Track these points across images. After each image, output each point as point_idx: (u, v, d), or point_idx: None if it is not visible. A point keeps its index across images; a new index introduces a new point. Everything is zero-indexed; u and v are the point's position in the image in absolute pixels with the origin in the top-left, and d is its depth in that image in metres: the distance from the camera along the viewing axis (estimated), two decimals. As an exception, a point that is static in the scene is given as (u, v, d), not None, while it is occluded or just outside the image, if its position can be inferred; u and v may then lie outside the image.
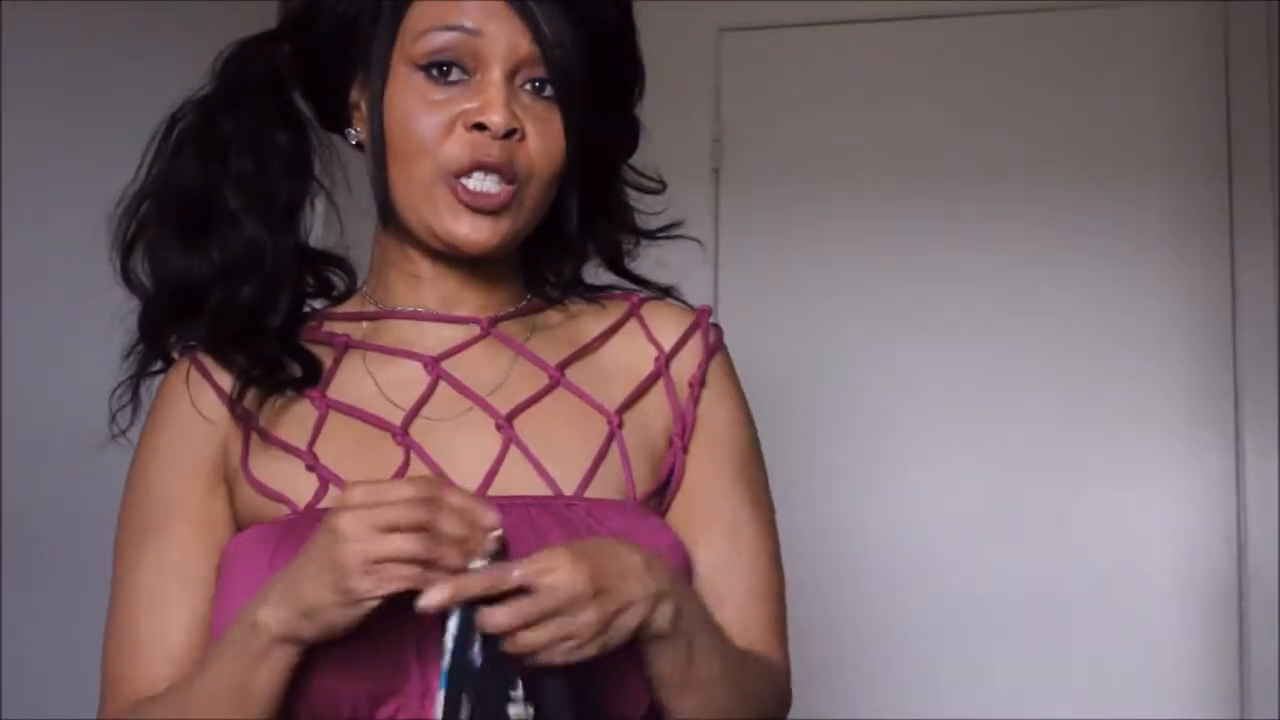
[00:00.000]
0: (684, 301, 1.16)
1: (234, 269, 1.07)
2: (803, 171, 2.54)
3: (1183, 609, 2.32)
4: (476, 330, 1.09)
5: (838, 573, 2.39)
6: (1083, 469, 2.38)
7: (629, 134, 1.16)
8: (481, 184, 1.01)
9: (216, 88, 1.11)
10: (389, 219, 1.07)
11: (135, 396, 1.10)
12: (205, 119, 1.09)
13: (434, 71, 1.02)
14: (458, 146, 1.02)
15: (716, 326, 1.15)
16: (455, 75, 1.02)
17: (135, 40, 2.02)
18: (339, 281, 1.16)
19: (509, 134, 1.01)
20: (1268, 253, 2.35)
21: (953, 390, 2.42)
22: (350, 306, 1.13)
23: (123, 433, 1.10)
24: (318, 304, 1.15)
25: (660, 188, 1.18)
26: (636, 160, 1.20)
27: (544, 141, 1.03)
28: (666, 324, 1.13)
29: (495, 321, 1.10)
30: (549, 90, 1.03)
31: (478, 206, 1.02)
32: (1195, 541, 2.33)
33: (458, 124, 1.02)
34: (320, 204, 1.16)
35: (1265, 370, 2.33)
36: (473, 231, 1.02)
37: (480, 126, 1.01)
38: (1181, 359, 2.37)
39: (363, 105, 1.08)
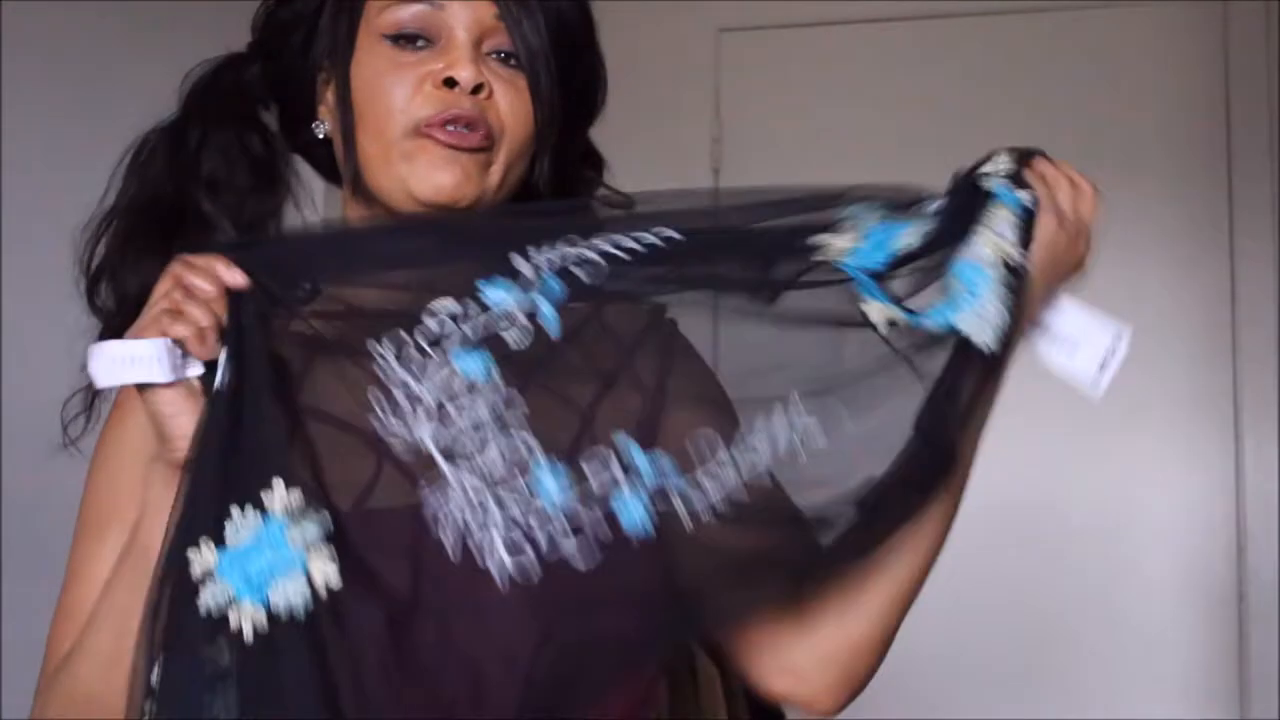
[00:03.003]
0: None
1: None
2: (803, 171, 2.53)
3: (1183, 609, 2.33)
4: None
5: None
6: (1083, 469, 2.38)
7: (594, 155, 1.17)
8: (456, 129, 1.03)
9: (185, 109, 1.11)
10: (358, 193, 1.08)
11: (90, 408, 1.09)
12: (175, 137, 1.10)
13: (400, 40, 1.05)
14: (426, 101, 1.03)
15: (673, 322, 1.15)
16: (421, 43, 1.05)
17: (137, 40, 2.02)
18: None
19: (477, 90, 1.03)
20: (1268, 253, 2.35)
21: (953, 390, 2.42)
22: (319, 305, 1.14)
23: (74, 443, 1.09)
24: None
25: (629, 204, 1.18)
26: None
27: (512, 103, 1.05)
28: (625, 324, 1.12)
29: None
30: (514, 61, 1.06)
31: (449, 143, 1.02)
32: (1195, 541, 2.34)
33: (426, 82, 1.03)
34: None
35: (1265, 370, 2.33)
36: (444, 178, 1.03)
37: (450, 83, 1.02)
38: (1181, 359, 2.37)
39: (329, 93, 1.09)
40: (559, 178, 1.10)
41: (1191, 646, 2.32)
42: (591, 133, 1.17)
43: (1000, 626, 2.36)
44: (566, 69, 1.08)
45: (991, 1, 2.51)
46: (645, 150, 2.56)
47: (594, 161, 1.18)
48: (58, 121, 1.87)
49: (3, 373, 1.79)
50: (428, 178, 1.03)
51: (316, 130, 1.10)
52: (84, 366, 1.09)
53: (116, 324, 1.07)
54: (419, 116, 1.03)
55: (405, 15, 1.04)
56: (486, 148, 1.04)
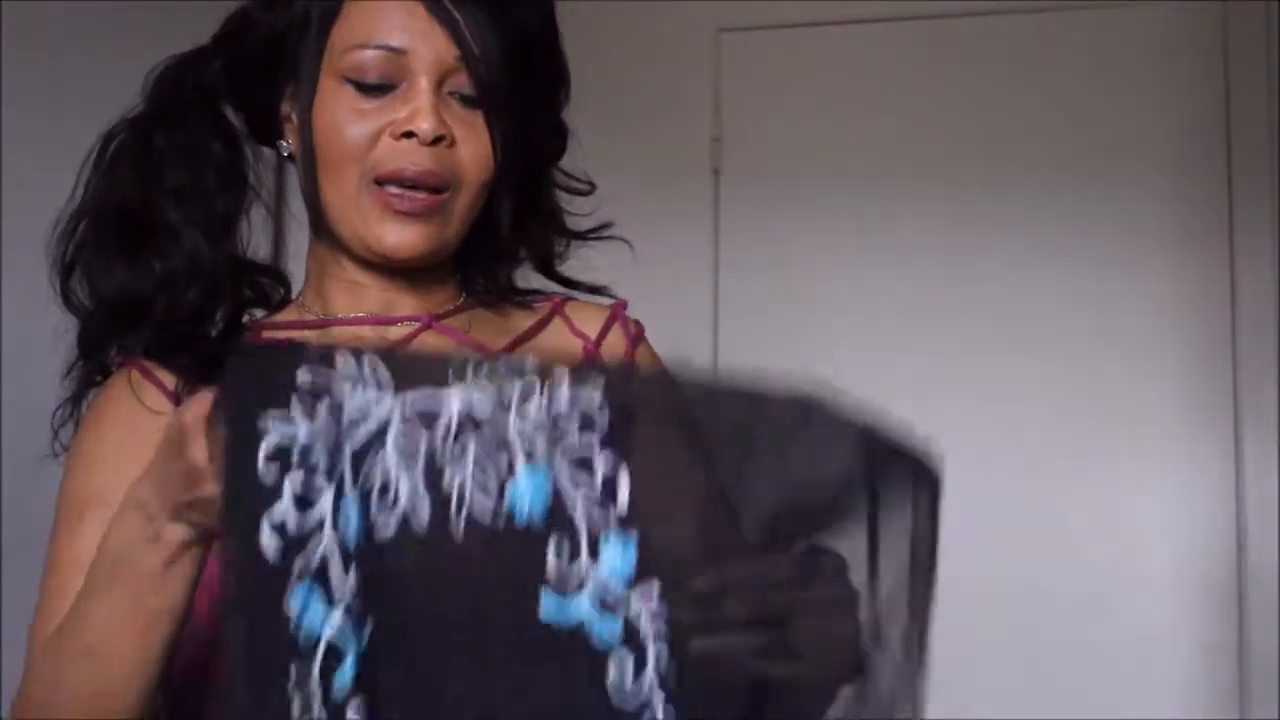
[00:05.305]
0: (609, 295, 1.18)
1: (175, 279, 1.07)
2: (803, 171, 2.55)
3: (1183, 608, 2.33)
4: (419, 325, 1.10)
5: (838, 573, 2.39)
6: (1083, 469, 2.38)
7: (558, 138, 1.16)
8: (410, 192, 1.03)
9: (149, 105, 1.11)
10: (321, 229, 1.09)
11: (75, 413, 1.10)
12: (139, 135, 1.10)
13: (362, 84, 1.04)
14: (385, 153, 1.03)
15: (636, 322, 1.17)
16: (384, 86, 1.04)
17: (137, 40, 2.02)
18: (273, 292, 1.16)
19: (437, 140, 1.03)
20: (1268, 253, 2.35)
21: (953, 390, 2.42)
22: (288, 316, 1.13)
23: (65, 449, 1.09)
24: (256, 313, 1.15)
25: (589, 189, 1.18)
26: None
27: (473, 148, 1.05)
28: (587, 320, 1.15)
29: (437, 317, 1.11)
30: (476, 100, 1.05)
31: (404, 210, 1.03)
32: (1195, 541, 2.34)
33: (385, 133, 1.03)
34: (257, 216, 1.15)
35: (1265, 371, 2.33)
36: (400, 239, 1.04)
37: (409, 135, 1.02)
38: (1181, 360, 2.37)
39: (294, 117, 1.09)
40: (519, 210, 1.11)
41: (1191, 646, 2.32)
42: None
43: (1000, 627, 2.36)
44: (530, 78, 1.07)
45: (991, 1, 2.51)
46: (645, 150, 2.56)
47: (560, 132, 1.17)
48: (58, 121, 1.87)
49: (2, 375, 1.79)
50: (379, 236, 1.04)
51: (281, 149, 1.11)
52: (65, 374, 1.11)
53: (94, 325, 1.08)
54: (374, 167, 1.03)
55: (367, 58, 1.03)
56: (436, 209, 1.04)
